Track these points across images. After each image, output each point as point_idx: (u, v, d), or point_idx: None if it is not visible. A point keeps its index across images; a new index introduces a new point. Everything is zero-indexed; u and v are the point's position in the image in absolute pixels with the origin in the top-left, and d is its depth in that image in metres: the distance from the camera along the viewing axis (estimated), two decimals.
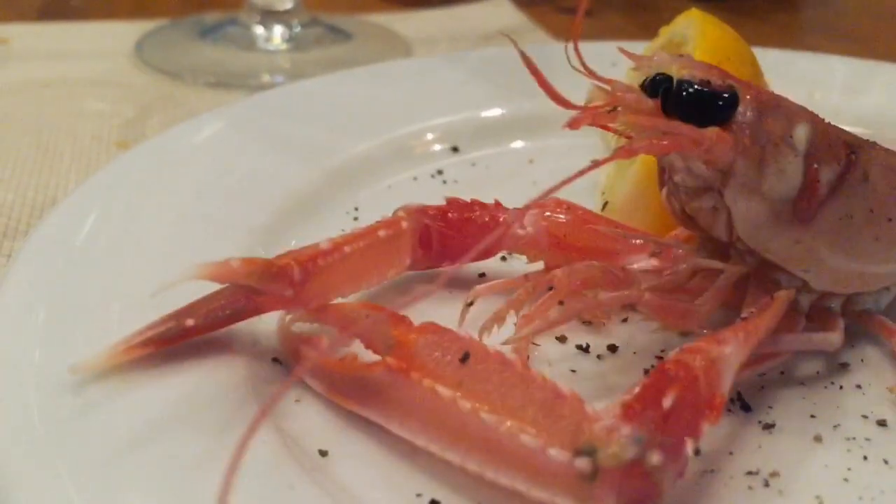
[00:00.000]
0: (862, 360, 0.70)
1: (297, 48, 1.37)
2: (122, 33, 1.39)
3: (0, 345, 0.61)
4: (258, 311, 0.62)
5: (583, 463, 0.49)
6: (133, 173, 0.83)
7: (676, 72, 0.62)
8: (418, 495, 0.56)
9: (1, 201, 0.93)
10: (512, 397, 0.53)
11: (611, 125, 0.64)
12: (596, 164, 0.56)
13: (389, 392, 0.57)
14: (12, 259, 0.70)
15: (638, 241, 0.74)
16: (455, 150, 0.99)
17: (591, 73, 0.63)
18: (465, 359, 0.55)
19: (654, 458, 0.49)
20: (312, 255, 0.63)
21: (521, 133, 1.01)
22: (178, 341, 0.60)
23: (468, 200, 0.74)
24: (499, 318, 0.67)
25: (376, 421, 0.59)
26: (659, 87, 0.62)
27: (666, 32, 0.95)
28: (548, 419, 0.52)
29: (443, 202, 0.73)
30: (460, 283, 0.74)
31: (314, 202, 0.86)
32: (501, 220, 0.73)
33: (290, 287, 0.61)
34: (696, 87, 0.61)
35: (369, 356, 0.60)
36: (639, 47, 0.98)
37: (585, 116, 0.62)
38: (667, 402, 0.52)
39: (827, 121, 0.67)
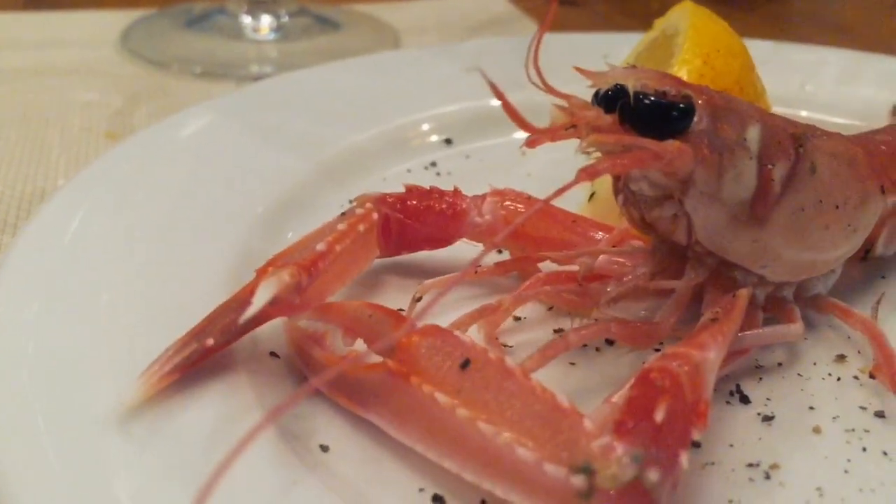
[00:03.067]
0: (859, 352, 0.70)
1: (285, 38, 1.37)
2: (109, 22, 1.38)
3: None
4: (267, 318, 0.62)
5: (579, 480, 0.49)
6: (124, 167, 0.82)
7: (632, 84, 0.61)
8: (421, 490, 0.55)
9: None
10: (510, 407, 0.52)
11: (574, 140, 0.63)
12: (561, 190, 0.55)
13: (389, 396, 0.57)
14: (2, 256, 0.69)
15: (597, 235, 0.74)
16: (448, 142, 0.99)
17: (549, 90, 0.62)
18: (465, 365, 0.55)
19: (653, 475, 0.49)
20: (313, 259, 0.64)
21: (514, 125, 1.00)
22: (201, 362, 0.59)
23: (427, 188, 0.74)
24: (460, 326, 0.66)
25: (376, 424, 0.58)
26: (615, 101, 0.61)
27: (660, 24, 0.95)
28: (545, 433, 0.51)
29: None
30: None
31: (309, 194, 0.86)
32: (460, 208, 0.73)
33: (298, 294, 0.61)
34: (652, 98, 0.60)
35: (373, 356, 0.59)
36: (629, 38, 0.99)
37: (544, 135, 0.62)
38: (659, 414, 0.51)
39: (772, 113, 0.68)
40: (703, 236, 0.64)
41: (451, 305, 0.71)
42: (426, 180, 0.91)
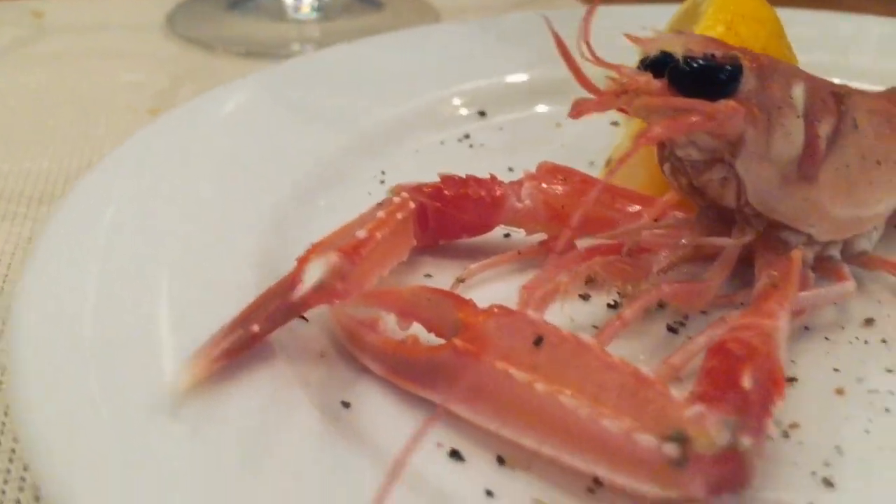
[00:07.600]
0: (888, 316, 0.69)
1: (326, 17, 1.38)
2: (153, 5, 1.41)
3: (35, 313, 0.61)
4: (312, 304, 0.61)
5: (671, 449, 0.49)
6: (162, 141, 0.84)
7: (679, 49, 0.61)
8: (438, 445, 0.56)
9: (38, 169, 0.95)
10: (592, 381, 0.52)
11: (621, 108, 0.63)
12: (621, 161, 0.55)
13: (458, 376, 0.56)
14: (40, 231, 0.70)
15: (635, 208, 0.73)
16: (482, 114, 0.99)
17: (598, 61, 0.63)
18: (538, 342, 0.54)
19: (746, 440, 0.49)
20: (354, 246, 0.62)
21: (549, 97, 1.01)
22: (247, 349, 0.58)
23: (462, 176, 0.73)
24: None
25: (442, 404, 0.57)
26: (663, 67, 0.61)
27: None
28: (632, 404, 0.51)
29: (438, 178, 0.72)
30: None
31: (342, 166, 0.87)
32: (498, 194, 0.73)
33: (341, 280, 0.60)
34: (701, 61, 0.61)
35: (430, 339, 0.59)
36: (668, 10, 0.98)
37: (591, 105, 0.62)
38: (746, 382, 0.51)
39: (812, 74, 0.67)
40: (753, 197, 0.64)
41: (490, 281, 0.72)
42: (460, 152, 0.93)
